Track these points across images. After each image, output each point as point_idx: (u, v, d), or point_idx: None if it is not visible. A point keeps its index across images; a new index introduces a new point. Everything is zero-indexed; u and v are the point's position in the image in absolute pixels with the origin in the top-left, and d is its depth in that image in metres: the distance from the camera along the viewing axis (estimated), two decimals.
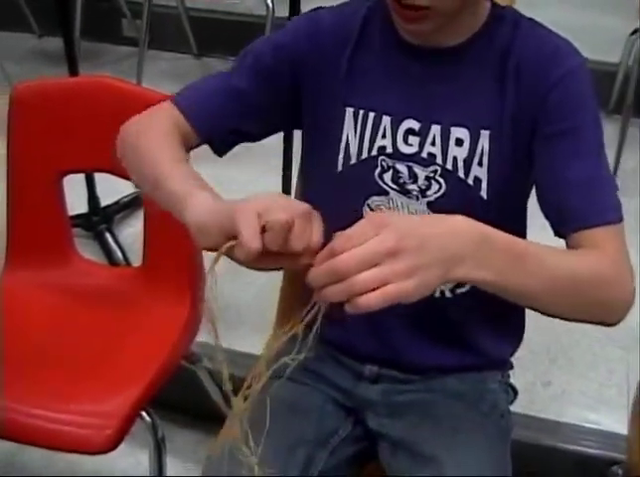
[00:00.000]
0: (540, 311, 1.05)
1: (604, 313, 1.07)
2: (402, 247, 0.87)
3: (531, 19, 1.19)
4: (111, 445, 1.44)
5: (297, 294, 1.39)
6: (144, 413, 1.52)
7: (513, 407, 1.94)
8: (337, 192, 1.22)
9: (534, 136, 1.12)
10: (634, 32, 3.08)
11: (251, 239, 0.87)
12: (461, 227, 0.94)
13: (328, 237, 0.92)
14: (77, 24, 3.60)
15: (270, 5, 3.16)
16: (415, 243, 0.88)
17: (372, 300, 0.86)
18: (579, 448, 1.91)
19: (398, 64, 1.19)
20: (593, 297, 1.04)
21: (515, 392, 1.40)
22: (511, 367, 1.40)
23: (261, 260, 0.89)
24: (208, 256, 0.94)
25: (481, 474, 1.16)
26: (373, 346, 1.28)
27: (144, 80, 3.47)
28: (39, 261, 1.78)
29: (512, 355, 1.38)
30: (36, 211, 1.78)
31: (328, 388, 1.32)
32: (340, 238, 0.89)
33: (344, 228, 0.91)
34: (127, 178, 1.70)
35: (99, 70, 3.66)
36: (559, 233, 1.11)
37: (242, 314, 2.28)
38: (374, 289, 0.86)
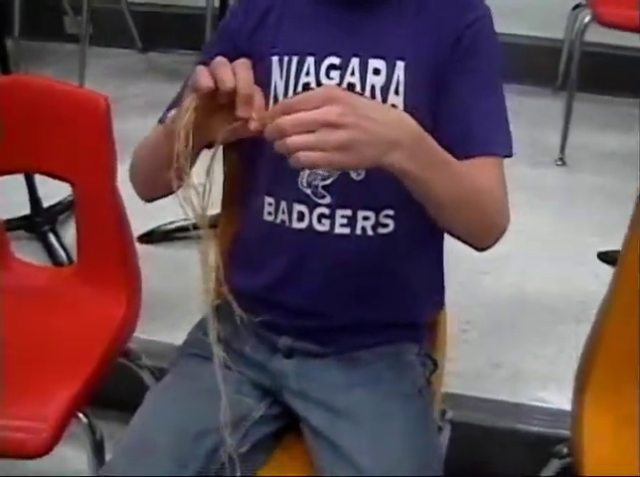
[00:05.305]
0: (439, 219, 1.16)
1: (486, 230, 1.20)
2: (342, 123, 0.97)
3: None
4: (47, 448, 1.41)
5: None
6: (81, 415, 1.49)
7: (463, 391, 1.94)
8: None
9: (448, 69, 1.23)
10: (576, 6, 3.10)
11: (204, 78, 1.02)
12: (405, 119, 1.05)
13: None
14: (15, 22, 3.54)
15: None
16: (356, 121, 0.98)
17: (305, 158, 0.97)
18: (530, 428, 1.91)
19: (321, 6, 1.28)
20: (485, 211, 1.17)
21: (434, 363, 1.40)
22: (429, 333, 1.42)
23: (217, 127, 1.05)
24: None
25: (401, 465, 1.17)
26: (290, 297, 1.30)
27: (89, 78, 3.41)
28: None
29: (428, 320, 1.41)
30: None
31: (245, 365, 1.33)
32: (293, 99, 1.02)
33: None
34: (63, 179, 1.69)
35: (44, 69, 3.60)
36: (455, 156, 1.17)
37: (171, 306, 2.25)
38: None
